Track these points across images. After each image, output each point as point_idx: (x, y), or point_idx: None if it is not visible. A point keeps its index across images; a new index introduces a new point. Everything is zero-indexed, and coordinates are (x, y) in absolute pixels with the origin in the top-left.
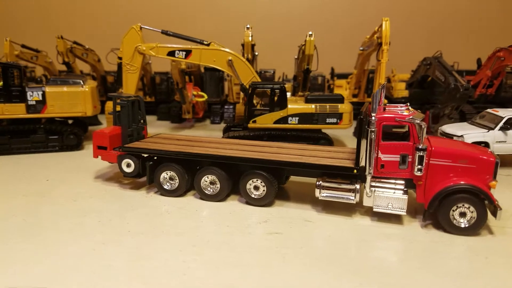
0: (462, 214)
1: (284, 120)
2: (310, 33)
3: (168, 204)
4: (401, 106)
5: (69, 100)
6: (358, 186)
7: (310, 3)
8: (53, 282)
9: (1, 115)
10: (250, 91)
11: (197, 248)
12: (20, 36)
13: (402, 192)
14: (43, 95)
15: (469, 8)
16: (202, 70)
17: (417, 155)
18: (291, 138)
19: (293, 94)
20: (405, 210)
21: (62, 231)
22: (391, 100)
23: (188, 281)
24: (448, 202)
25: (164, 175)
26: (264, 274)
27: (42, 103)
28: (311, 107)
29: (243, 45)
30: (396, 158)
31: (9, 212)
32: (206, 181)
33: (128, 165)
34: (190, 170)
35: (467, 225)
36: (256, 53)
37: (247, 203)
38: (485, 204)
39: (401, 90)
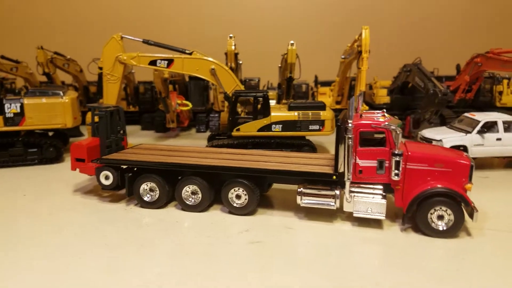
0: (440, 217)
1: (267, 127)
2: (292, 42)
3: (148, 216)
4: (378, 113)
5: (49, 111)
6: (338, 192)
7: (294, 13)
8: None
9: None
10: (233, 100)
11: (175, 260)
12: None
13: (380, 196)
14: (21, 107)
15: (449, 15)
16: (187, 79)
17: (394, 160)
18: (275, 145)
19: (278, 102)
20: (384, 215)
21: (35, 246)
22: (373, 106)
23: None
24: (425, 206)
25: (144, 186)
26: (242, 284)
27: (20, 115)
28: (294, 115)
29: (226, 54)
30: (374, 163)
31: None
32: (187, 191)
33: (107, 177)
34: (171, 181)
35: (445, 228)
36: (240, 62)
37: (230, 212)
38: (462, 206)
39: (382, 96)
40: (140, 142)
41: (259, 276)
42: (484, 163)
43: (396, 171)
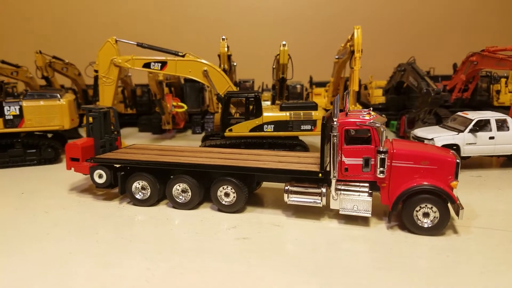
0: (426, 215)
1: (259, 128)
2: (284, 42)
3: (140, 214)
4: (364, 111)
5: (47, 113)
6: (324, 190)
7: (289, 14)
8: None
9: None
10: (225, 101)
11: (163, 256)
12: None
13: (366, 194)
14: (20, 109)
15: (445, 14)
16: (182, 81)
17: (379, 157)
18: (268, 145)
19: (272, 103)
20: (370, 212)
21: (29, 241)
22: (369, 106)
23: None
24: (411, 203)
25: (136, 184)
26: (227, 278)
27: (19, 117)
28: (286, 115)
29: (219, 55)
30: (359, 161)
31: None
32: (178, 190)
33: (100, 176)
34: (162, 179)
35: (430, 225)
36: (235, 63)
37: (219, 210)
38: (447, 204)
39: (378, 96)
40: (137, 143)
41: (245, 270)
42: (476, 162)
43: (381, 169)
